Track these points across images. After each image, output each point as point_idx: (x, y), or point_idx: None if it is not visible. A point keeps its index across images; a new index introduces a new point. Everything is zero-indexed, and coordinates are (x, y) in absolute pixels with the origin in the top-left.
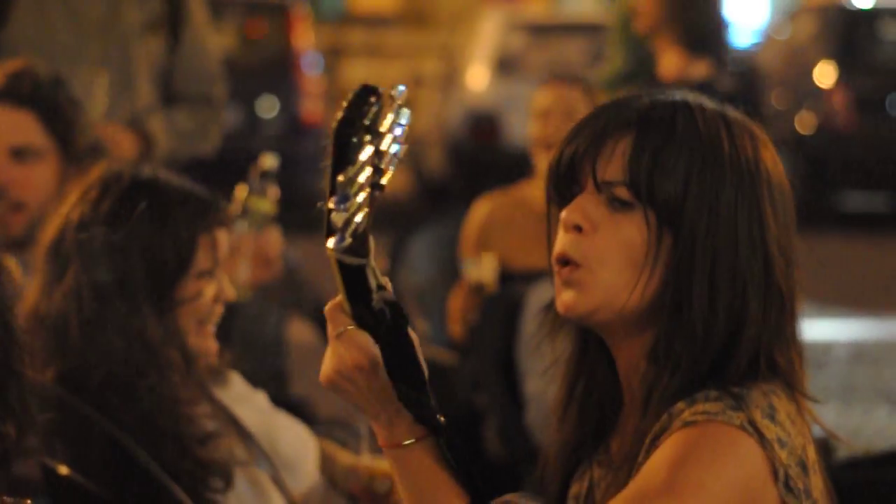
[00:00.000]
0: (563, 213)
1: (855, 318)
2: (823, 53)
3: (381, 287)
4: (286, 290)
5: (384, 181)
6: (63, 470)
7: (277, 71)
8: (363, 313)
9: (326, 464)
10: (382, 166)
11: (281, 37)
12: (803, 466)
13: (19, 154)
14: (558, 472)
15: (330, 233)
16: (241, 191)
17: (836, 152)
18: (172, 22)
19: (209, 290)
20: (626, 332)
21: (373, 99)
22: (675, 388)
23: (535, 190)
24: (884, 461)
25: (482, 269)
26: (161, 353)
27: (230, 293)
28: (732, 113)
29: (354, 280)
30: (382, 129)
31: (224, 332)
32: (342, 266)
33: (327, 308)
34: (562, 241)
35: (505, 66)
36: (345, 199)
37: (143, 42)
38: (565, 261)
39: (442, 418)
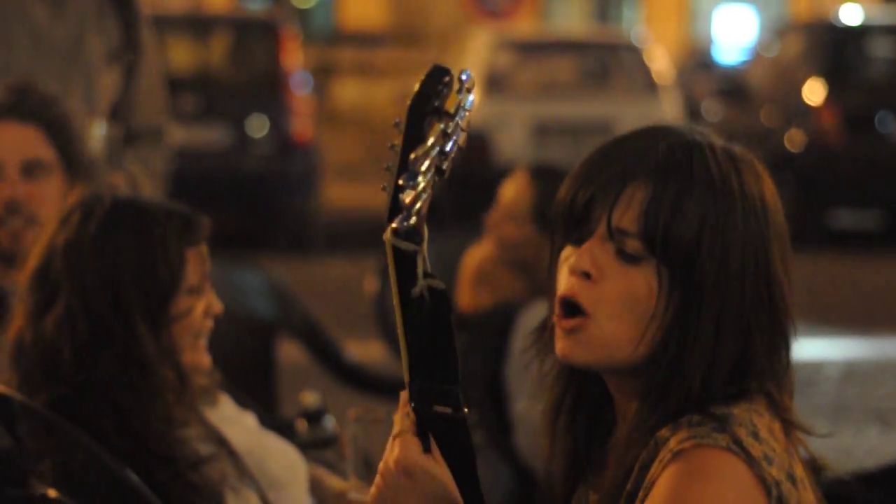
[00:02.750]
0: (573, 259)
1: (846, 336)
2: (812, 71)
3: (428, 275)
4: (274, 310)
5: (446, 166)
6: (52, 493)
7: (267, 90)
8: (407, 301)
9: (316, 488)
10: (447, 150)
11: (270, 56)
12: (793, 481)
13: (29, 169)
14: (557, 490)
15: (394, 212)
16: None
17: (826, 170)
18: (128, 53)
19: (199, 306)
20: (623, 376)
21: (446, 79)
22: (661, 421)
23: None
24: (873, 480)
25: None
26: (156, 372)
27: (218, 307)
28: (738, 150)
29: (405, 267)
30: (451, 110)
31: (212, 354)
32: (396, 252)
33: (395, 415)
34: (569, 283)
35: (494, 84)
36: (414, 176)
37: (107, 72)
38: (570, 304)
39: (463, 414)
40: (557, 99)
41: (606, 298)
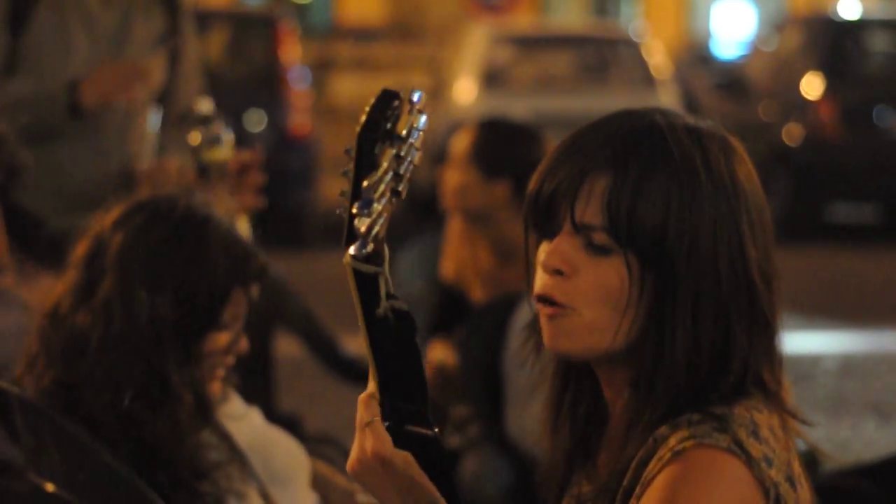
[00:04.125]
0: (543, 257)
1: (844, 330)
2: (810, 65)
3: (391, 296)
4: (272, 304)
5: (402, 188)
6: (50, 487)
7: (265, 85)
8: (372, 323)
9: (321, 485)
10: (402, 172)
11: (268, 51)
12: (791, 482)
13: None
14: (553, 484)
15: (351, 239)
16: (193, 143)
17: (824, 164)
18: (173, 37)
19: (226, 341)
20: (611, 365)
21: (395, 103)
22: (658, 416)
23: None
24: (871, 472)
25: (444, 353)
26: (175, 392)
27: (244, 346)
28: (705, 127)
29: (367, 289)
30: (403, 133)
31: None
32: (356, 274)
33: (361, 396)
34: (543, 281)
35: (492, 79)
36: (368, 204)
37: (154, 57)
38: (546, 301)
39: (435, 434)
40: (555, 93)
41: (581, 291)
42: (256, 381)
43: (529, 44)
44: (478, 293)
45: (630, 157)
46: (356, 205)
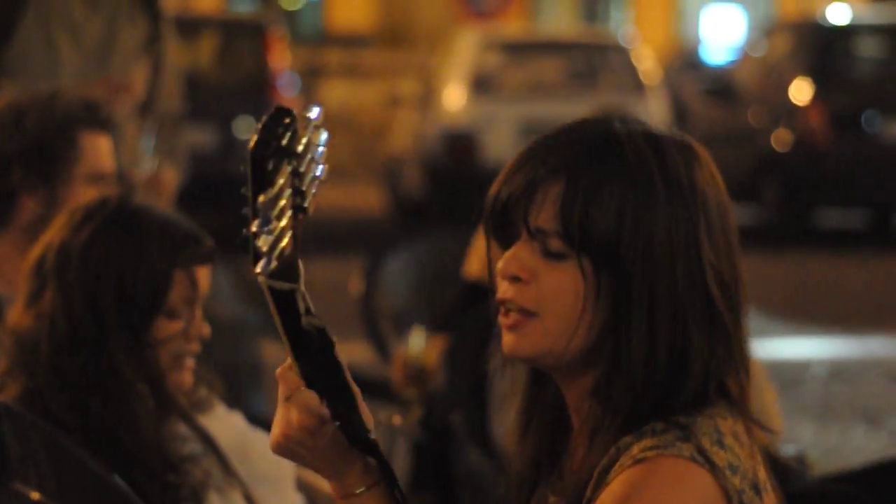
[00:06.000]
0: (500, 264)
1: (833, 335)
2: (799, 70)
3: (308, 311)
4: (260, 311)
5: (307, 203)
6: (35, 496)
7: (254, 92)
8: (294, 339)
9: (305, 490)
10: (304, 188)
11: (258, 57)
12: (756, 489)
13: (120, 181)
14: (519, 494)
15: (256, 258)
16: None
17: (813, 169)
18: (156, 45)
19: (180, 329)
20: (570, 372)
21: (287, 120)
22: (619, 424)
23: None
24: (859, 478)
25: (424, 349)
26: (130, 384)
27: (206, 331)
28: (666, 133)
29: (284, 305)
30: (299, 150)
31: (199, 355)
32: (272, 291)
33: (279, 371)
34: (502, 287)
35: (482, 85)
36: (267, 221)
37: (139, 63)
38: (508, 307)
39: (372, 436)
40: (545, 99)
41: (540, 297)
42: (244, 389)
43: (519, 50)
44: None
45: (583, 162)
46: (255, 222)
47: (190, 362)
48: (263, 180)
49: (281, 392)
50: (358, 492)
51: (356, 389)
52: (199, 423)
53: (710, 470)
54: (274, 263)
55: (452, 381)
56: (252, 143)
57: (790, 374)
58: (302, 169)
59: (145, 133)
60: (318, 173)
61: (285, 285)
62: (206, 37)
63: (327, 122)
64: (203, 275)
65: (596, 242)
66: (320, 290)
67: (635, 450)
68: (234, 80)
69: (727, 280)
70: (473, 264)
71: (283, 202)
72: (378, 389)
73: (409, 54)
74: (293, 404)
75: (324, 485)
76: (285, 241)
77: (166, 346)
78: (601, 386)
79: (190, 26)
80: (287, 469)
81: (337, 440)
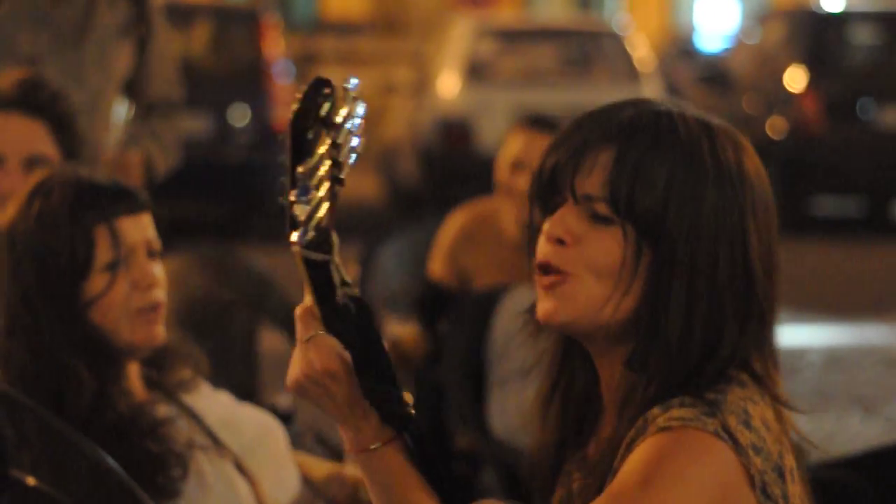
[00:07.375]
0: (546, 226)
1: (828, 323)
2: (794, 58)
3: (345, 283)
4: (255, 298)
5: (343, 175)
6: (31, 481)
7: (249, 79)
8: (329, 311)
9: (302, 474)
10: (341, 159)
11: (252, 45)
12: (780, 473)
13: (31, 164)
14: (544, 473)
15: (293, 227)
16: None
17: (808, 157)
18: (139, 26)
19: (122, 281)
20: (606, 342)
21: (326, 91)
22: (650, 396)
23: (502, 213)
24: (855, 464)
25: (406, 336)
26: (66, 365)
27: (154, 276)
28: (716, 121)
29: (319, 276)
30: (338, 120)
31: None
32: (307, 262)
33: (298, 311)
34: (543, 250)
35: (476, 72)
36: (306, 190)
37: (120, 46)
38: (547, 269)
39: (412, 411)
40: (539, 87)
41: (582, 259)
42: (240, 377)
43: (513, 37)
44: (447, 265)
45: (636, 133)
46: (293, 192)
47: (154, 315)
48: (302, 150)
49: (300, 332)
50: (373, 447)
51: (393, 362)
52: (180, 398)
53: (732, 447)
54: (311, 233)
55: (447, 367)
56: (292, 113)
57: (786, 362)
58: (340, 140)
59: (132, 115)
60: (354, 145)
61: (320, 256)
62: (199, 24)
63: None
64: (131, 225)
65: (642, 213)
66: None
67: (661, 420)
68: (228, 67)
69: (769, 265)
70: (436, 265)
71: (321, 172)
72: None
73: (403, 42)
74: (314, 345)
75: (320, 467)
76: (322, 212)
77: (107, 303)
78: (635, 357)
79: (184, 14)
80: (276, 432)
81: (355, 392)
